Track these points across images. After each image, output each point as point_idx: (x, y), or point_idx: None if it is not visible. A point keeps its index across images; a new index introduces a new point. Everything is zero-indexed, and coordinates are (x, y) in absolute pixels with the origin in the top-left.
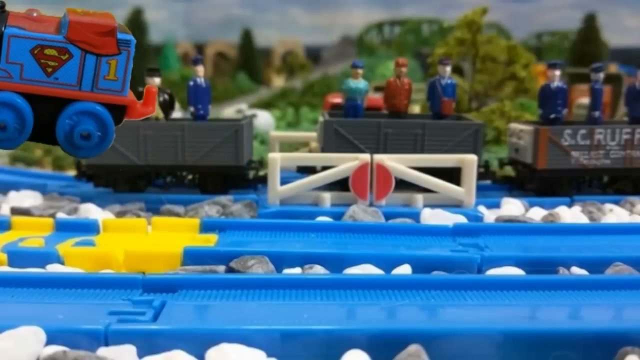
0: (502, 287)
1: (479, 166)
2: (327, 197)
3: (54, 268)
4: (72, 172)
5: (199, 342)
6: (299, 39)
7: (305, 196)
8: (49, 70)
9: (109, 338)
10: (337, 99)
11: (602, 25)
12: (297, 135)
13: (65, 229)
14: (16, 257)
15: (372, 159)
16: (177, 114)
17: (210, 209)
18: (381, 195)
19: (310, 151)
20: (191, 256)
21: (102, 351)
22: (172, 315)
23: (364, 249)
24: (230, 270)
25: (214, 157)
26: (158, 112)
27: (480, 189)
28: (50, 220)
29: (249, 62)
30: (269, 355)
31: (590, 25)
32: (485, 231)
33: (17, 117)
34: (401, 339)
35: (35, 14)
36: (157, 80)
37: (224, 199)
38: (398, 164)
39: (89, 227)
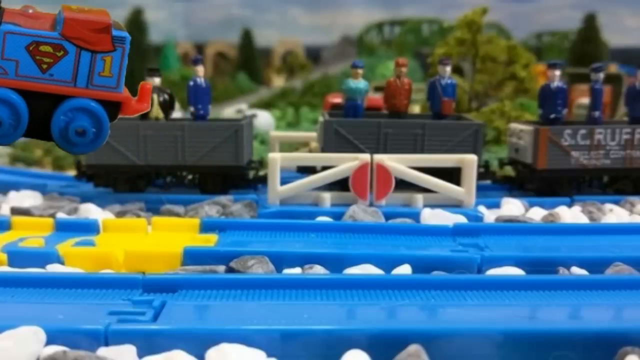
0: (502, 287)
1: (479, 166)
2: (327, 197)
3: (54, 268)
4: (72, 172)
5: (199, 342)
6: (299, 39)
7: (305, 196)
8: (44, 66)
9: (109, 338)
10: (337, 99)
11: (602, 25)
12: (297, 135)
13: (65, 229)
14: (16, 257)
15: (372, 159)
16: (177, 114)
17: (210, 209)
18: (381, 195)
19: (310, 151)
20: (191, 256)
21: (102, 351)
22: (172, 315)
23: (364, 249)
24: (230, 270)
25: (214, 157)
26: (158, 112)
27: (480, 189)
28: (50, 220)
29: (249, 62)
30: (269, 355)
31: (590, 25)
32: (485, 231)
33: (12, 113)
34: (401, 339)
35: (30, 11)
36: (157, 80)
37: (224, 199)
38: (398, 164)
39: (89, 227)
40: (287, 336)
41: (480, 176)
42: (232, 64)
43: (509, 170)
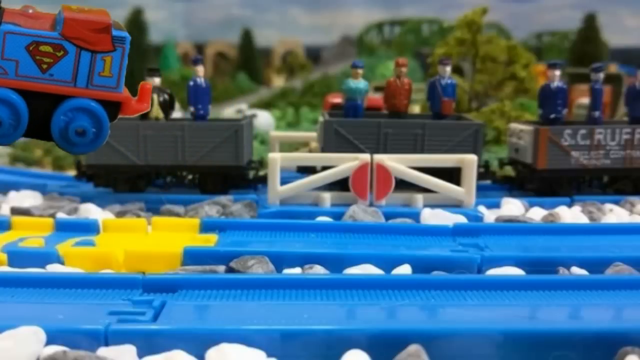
0: (502, 287)
1: (479, 166)
2: (327, 197)
3: (54, 268)
4: (72, 172)
5: (199, 342)
6: (299, 39)
7: (305, 196)
8: (44, 66)
9: (109, 338)
10: (337, 99)
11: (602, 25)
12: (297, 135)
13: (65, 229)
14: (16, 257)
15: (372, 159)
16: (177, 114)
17: (210, 209)
18: (381, 195)
19: (310, 151)
20: (191, 256)
21: (102, 351)
22: (172, 315)
23: (364, 249)
24: (230, 270)
25: (214, 157)
26: (158, 112)
27: (480, 189)
28: (50, 220)
29: (249, 62)
30: (269, 355)
31: (590, 25)
32: (485, 231)
33: (12, 113)
34: (401, 339)
35: (30, 11)
36: (157, 80)
37: (224, 199)
38: (398, 164)
39: (89, 227)
40: (287, 336)
41: (480, 176)
42: (232, 64)
43: (509, 170)
